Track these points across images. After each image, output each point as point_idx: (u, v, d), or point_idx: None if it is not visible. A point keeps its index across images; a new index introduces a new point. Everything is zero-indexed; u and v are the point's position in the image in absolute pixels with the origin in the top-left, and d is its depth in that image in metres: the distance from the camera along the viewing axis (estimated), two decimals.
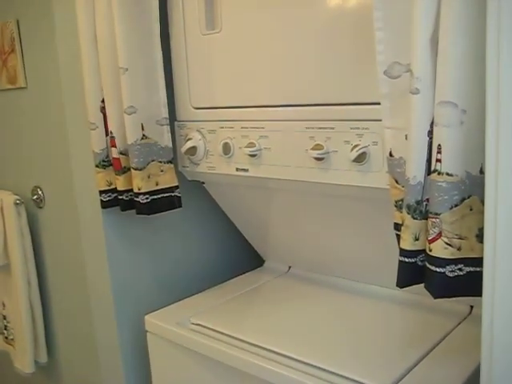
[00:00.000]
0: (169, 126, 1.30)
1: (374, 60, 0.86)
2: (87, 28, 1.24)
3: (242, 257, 1.61)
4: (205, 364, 1.19)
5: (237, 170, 1.23)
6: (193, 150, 1.29)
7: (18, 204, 1.76)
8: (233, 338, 1.17)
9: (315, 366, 1.03)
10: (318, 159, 1.06)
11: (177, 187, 1.31)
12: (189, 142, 1.29)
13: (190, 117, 1.31)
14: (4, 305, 1.93)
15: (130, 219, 1.36)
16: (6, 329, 1.95)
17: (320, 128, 1.05)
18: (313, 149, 1.05)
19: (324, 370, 1.01)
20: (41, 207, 1.77)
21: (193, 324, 1.27)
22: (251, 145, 1.17)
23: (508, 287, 0.65)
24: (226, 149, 1.23)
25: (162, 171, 1.29)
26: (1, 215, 1.79)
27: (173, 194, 1.30)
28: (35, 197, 1.76)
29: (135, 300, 1.43)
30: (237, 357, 1.11)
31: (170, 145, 1.30)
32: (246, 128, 1.19)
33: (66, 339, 1.84)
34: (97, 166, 1.32)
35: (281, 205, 1.36)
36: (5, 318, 1.94)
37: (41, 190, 1.74)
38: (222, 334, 1.20)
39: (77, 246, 1.54)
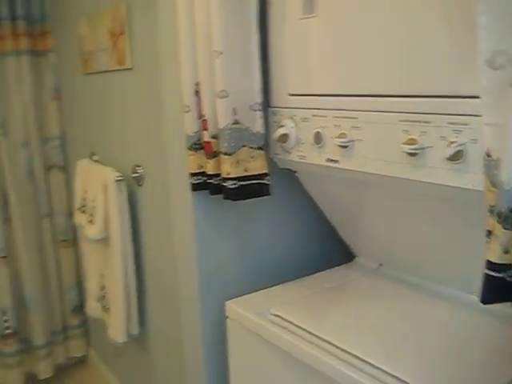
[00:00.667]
0: (262, 112, 1.27)
1: (475, 48, 0.77)
2: (186, 11, 1.24)
3: (331, 250, 1.56)
4: (279, 355, 1.17)
5: (327, 160, 1.18)
6: (284, 138, 1.25)
7: (119, 181, 1.83)
8: (310, 333, 1.13)
9: (394, 376, 0.96)
10: (411, 154, 0.98)
11: (266, 174, 1.28)
12: (281, 129, 1.25)
13: (284, 103, 1.27)
14: (103, 276, 2.03)
15: (220, 204, 1.36)
16: (103, 298, 2.05)
17: (415, 121, 0.97)
18: (406, 143, 0.98)
19: (403, 381, 0.95)
20: (140, 185, 1.83)
21: (272, 315, 1.24)
22: (343, 135, 1.11)
23: None
24: (318, 138, 1.18)
25: (252, 157, 1.27)
26: (104, 191, 1.87)
27: (262, 182, 1.28)
28: (135, 175, 1.82)
29: (220, 284, 1.43)
30: (310, 354, 1.07)
31: (263, 131, 1.28)
32: (339, 117, 1.13)
33: (156, 313, 1.90)
34: (189, 149, 1.32)
35: (375, 200, 1.29)
36: (103, 288, 2.04)
37: (141, 168, 1.80)
38: (300, 328, 1.16)
39: (170, 225, 1.56)
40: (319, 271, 1.48)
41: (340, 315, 1.25)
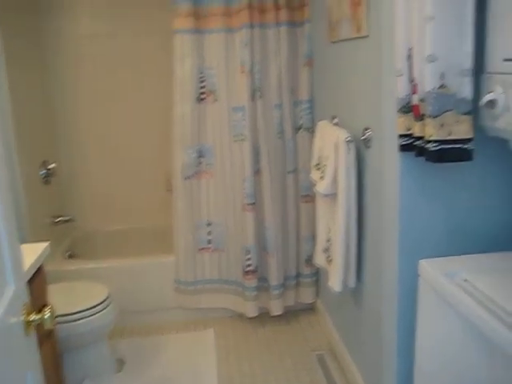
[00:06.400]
0: (471, 78, 1.27)
1: None
2: None
3: None
4: (461, 320, 1.18)
5: None
6: (492, 104, 1.23)
7: (348, 141, 1.97)
8: (499, 306, 1.12)
9: None
10: None
11: (470, 140, 1.28)
12: (488, 95, 1.24)
13: (496, 69, 1.24)
14: (330, 229, 2.20)
15: (427, 167, 1.40)
16: (328, 250, 2.23)
17: None
18: None
19: None
20: (368, 147, 1.94)
21: (462, 279, 1.26)
22: None
23: None
24: None
25: (457, 122, 1.27)
26: (335, 150, 2.03)
27: (464, 147, 1.28)
28: (364, 137, 1.93)
29: (419, 243, 1.47)
30: (495, 329, 1.06)
31: (470, 96, 1.27)
32: None
33: (372, 271, 2.00)
34: (398, 111, 1.39)
35: None
36: (329, 240, 2.22)
37: (369, 131, 1.90)
38: (489, 298, 1.15)
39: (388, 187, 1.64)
40: None
41: None
